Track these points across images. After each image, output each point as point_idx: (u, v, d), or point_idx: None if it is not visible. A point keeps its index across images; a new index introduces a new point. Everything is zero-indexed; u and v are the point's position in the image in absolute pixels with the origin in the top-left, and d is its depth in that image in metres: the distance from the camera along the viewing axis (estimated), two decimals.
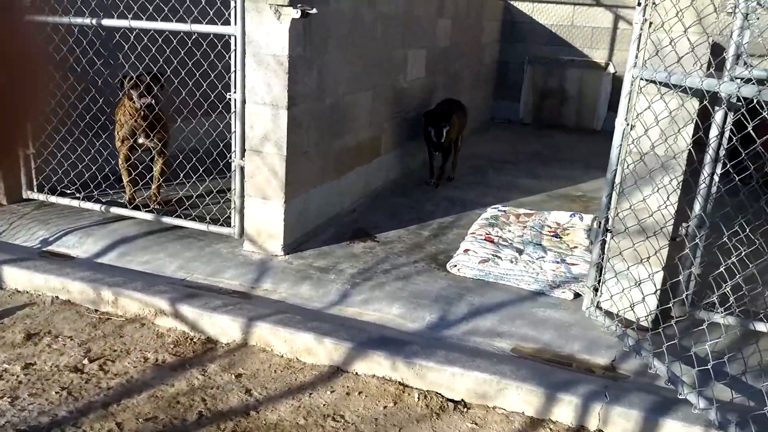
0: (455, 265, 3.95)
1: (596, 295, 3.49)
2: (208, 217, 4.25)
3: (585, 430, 2.77)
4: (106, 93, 4.68)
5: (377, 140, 5.34)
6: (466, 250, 4.13)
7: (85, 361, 3.07)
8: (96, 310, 3.52)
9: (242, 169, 3.98)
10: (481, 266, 3.92)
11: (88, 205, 4.47)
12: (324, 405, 2.86)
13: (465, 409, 2.88)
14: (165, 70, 4.46)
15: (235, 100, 3.90)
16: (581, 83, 9.43)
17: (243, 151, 3.94)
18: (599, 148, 8.16)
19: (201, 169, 4.38)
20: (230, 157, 4.05)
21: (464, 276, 3.89)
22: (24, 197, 4.67)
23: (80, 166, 4.74)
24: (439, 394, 2.95)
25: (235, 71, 3.84)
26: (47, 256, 4.01)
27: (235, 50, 3.80)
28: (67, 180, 4.74)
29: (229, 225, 4.15)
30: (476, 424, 2.79)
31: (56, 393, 2.81)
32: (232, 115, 3.94)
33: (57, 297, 3.62)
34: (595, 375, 3.02)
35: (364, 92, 4.88)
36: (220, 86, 4.18)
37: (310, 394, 2.94)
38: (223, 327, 3.32)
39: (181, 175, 4.44)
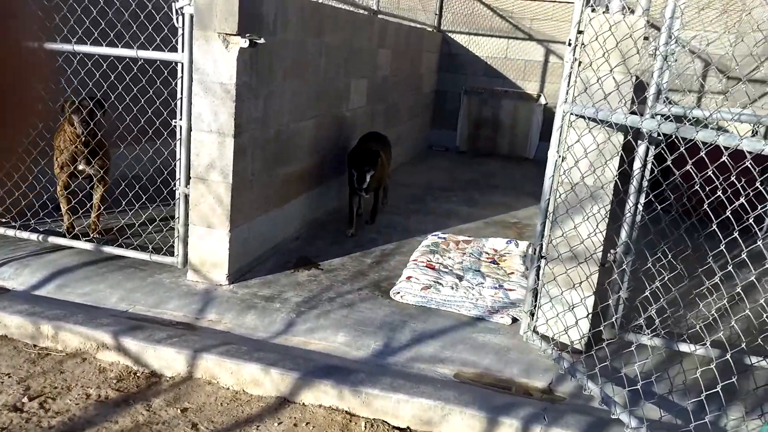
0: (398, 292, 4.05)
1: (533, 319, 3.66)
2: (150, 246, 4.20)
3: None
4: (47, 118, 4.57)
5: (320, 167, 5.42)
6: (408, 278, 4.25)
7: (25, 399, 2.97)
8: (35, 345, 3.42)
9: (186, 197, 3.97)
10: (423, 293, 4.04)
11: (25, 234, 4.33)
12: None
13: None
14: (109, 96, 4.42)
15: (180, 127, 3.91)
16: (515, 113, 9.83)
17: (188, 178, 3.94)
18: (531, 174, 8.54)
19: (144, 197, 4.33)
20: (174, 185, 4.04)
21: (407, 303, 4.00)
22: None
23: (17, 194, 4.59)
24: (386, 422, 3.03)
25: (181, 98, 3.85)
26: None
27: (182, 77, 3.82)
28: (2, 208, 4.57)
29: (172, 254, 4.12)
30: None
31: None
32: (177, 143, 3.94)
33: None
34: (534, 398, 3.17)
35: (308, 120, 4.97)
36: (165, 113, 4.17)
37: (258, 426, 2.96)
38: (168, 360, 3.29)
39: (123, 202, 4.38)
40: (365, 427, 2.99)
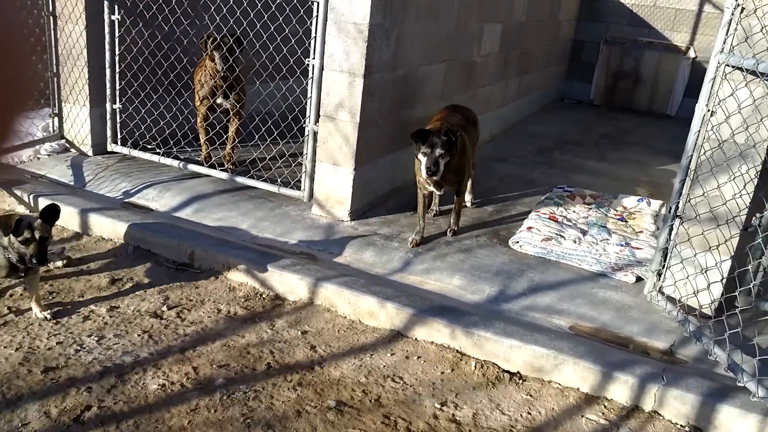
0: (518, 242, 3.98)
1: (659, 279, 3.46)
2: (279, 180, 4.40)
3: (639, 409, 2.79)
4: (190, 53, 4.87)
5: None
6: (529, 228, 4.15)
7: (164, 308, 3.28)
8: (174, 261, 3.74)
9: (315, 134, 4.10)
10: (543, 244, 3.94)
11: (167, 161, 4.70)
12: (384, 366, 2.98)
13: (520, 381, 2.95)
14: (248, 33, 4.60)
15: (313, 66, 4.00)
16: (658, 66, 9.10)
17: (317, 116, 4.05)
18: (671, 132, 7.93)
19: (275, 132, 4.53)
20: (304, 122, 4.18)
21: (526, 253, 3.92)
22: (108, 150, 4.94)
23: (162, 123, 4.98)
24: (496, 364, 3.03)
25: (315, 37, 3.94)
26: (129, 207, 4.26)
27: (317, 17, 3.89)
28: (148, 135, 4.98)
29: (299, 188, 4.30)
30: (531, 396, 2.86)
31: (138, 336, 3.03)
32: (309, 81, 4.05)
33: (138, 246, 3.86)
34: (653, 358, 3.02)
35: (438, 64, 4.90)
36: (299, 52, 4.29)
37: (371, 355, 3.07)
38: (291, 285, 3.48)
39: (256, 137, 4.60)
40: (475, 366, 3.01)
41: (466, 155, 4.02)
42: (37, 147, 4.90)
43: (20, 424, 2.40)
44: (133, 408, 2.55)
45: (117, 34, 4.62)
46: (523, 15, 6.84)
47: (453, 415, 2.69)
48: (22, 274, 3.06)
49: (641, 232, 4.32)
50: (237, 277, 3.61)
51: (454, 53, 5.19)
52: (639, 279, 3.66)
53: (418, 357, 3.07)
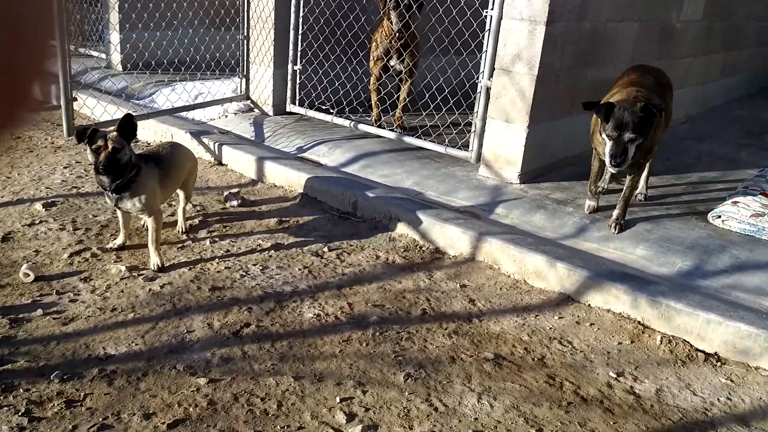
0: (719, 216, 3.42)
1: None
2: (446, 140, 4.23)
3: None
4: (369, 12, 4.88)
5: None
6: (735, 202, 3.55)
7: (325, 249, 3.26)
8: (338, 210, 3.73)
9: (488, 90, 3.86)
10: (753, 220, 3.34)
11: (340, 120, 4.74)
12: (550, 329, 2.68)
13: (718, 364, 2.48)
14: None
15: (491, 17, 3.78)
16: None
17: (491, 71, 3.81)
18: None
19: (443, 109, 4.37)
20: (477, 78, 3.96)
21: (729, 229, 3.35)
22: (287, 110, 5.12)
23: (336, 84, 5.05)
24: (687, 342, 2.58)
25: None
26: (301, 160, 4.35)
27: None
28: (323, 97, 5.09)
29: (466, 149, 4.10)
30: (732, 380, 2.38)
31: (299, 270, 3.03)
32: (486, 34, 3.83)
33: (306, 194, 3.91)
34: None
35: (630, 22, 4.42)
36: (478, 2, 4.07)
37: (536, 315, 2.77)
38: (453, 239, 3.28)
39: (428, 108, 4.47)
40: (661, 341, 2.58)
41: (660, 131, 3.25)
42: (226, 106, 5.21)
43: (185, 331, 2.47)
44: (288, 331, 2.51)
45: None
46: None
47: (631, 386, 2.31)
48: (115, 203, 2.92)
49: None
50: (398, 227, 3.50)
51: (649, 13, 4.65)
52: None
53: (591, 324, 2.72)
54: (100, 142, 2.77)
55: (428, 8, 4.65)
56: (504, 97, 3.76)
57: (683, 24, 5.26)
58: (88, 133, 2.79)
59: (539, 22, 3.54)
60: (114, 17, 5.89)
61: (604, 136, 2.98)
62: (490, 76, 3.83)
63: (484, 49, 3.87)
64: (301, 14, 4.82)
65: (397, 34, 4.49)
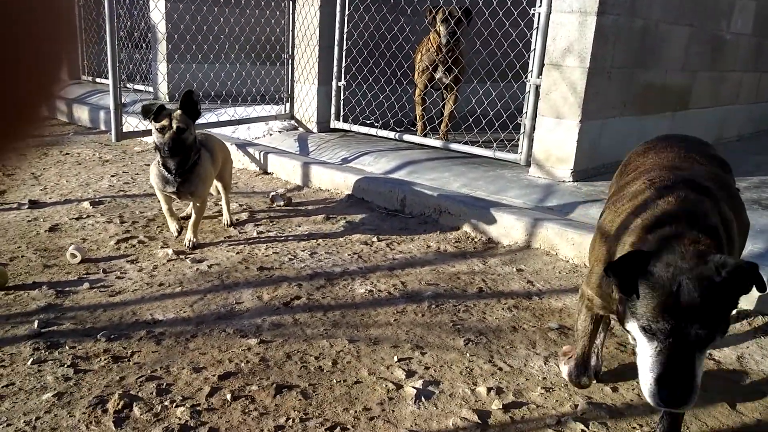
0: None
1: None
2: (494, 144, 4.16)
3: None
4: (412, 23, 4.93)
5: (687, 89, 4.72)
6: None
7: (374, 239, 3.17)
8: (385, 208, 3.66)
9: (537, 88, 3.81)
10: None
11: (384, 132, 4.73)
12: None
13: None
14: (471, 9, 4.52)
15: (539, 14, 3.76)
16: None
17: (540, 69, 3.77)
18: None
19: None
20: (525, 78, 3.91)
21: None
22: (331, 127, 5.14)
23: (381, 98, 5.06)
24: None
25: None
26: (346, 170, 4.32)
27: None
28: (368, 112, 5.10)
29: (515, 152, 4.01)
30: None
31: (348, 255, 2.94)
32: (534, 32, 3.80)
33: (352, 195, 3.86)
34: None
35: (681, 27, 4.35)
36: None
37: None
38: (507, 227, 3.16)
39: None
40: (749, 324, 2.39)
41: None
42: (270, 124, 5.26)
43: (234, 302, 2.38)
44: (339, 303, 2.41)
45: (347, 12, 4.84)
46: None
47: (710, 353, 2.12)
48: (175, 189, 2.86)
49: None
50: (448, 221, 3.40)
51: (700, 21, 4.57)
52: None
53: None
54: (165, 121, 2.74)
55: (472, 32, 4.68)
56: (555, 93, 3.69)
57: (733, 36, 5.16)
58: (155, 110, 2.76)
59: (590, 13, 3.49)
60: (162, 48, 6.08)
61: (634, 325, 1.38)
62: (539, 74, 3.78)
63: (532, 47, 3.83)
64: (345, 30, 4.89)
65: (445, 47, 4.50)
